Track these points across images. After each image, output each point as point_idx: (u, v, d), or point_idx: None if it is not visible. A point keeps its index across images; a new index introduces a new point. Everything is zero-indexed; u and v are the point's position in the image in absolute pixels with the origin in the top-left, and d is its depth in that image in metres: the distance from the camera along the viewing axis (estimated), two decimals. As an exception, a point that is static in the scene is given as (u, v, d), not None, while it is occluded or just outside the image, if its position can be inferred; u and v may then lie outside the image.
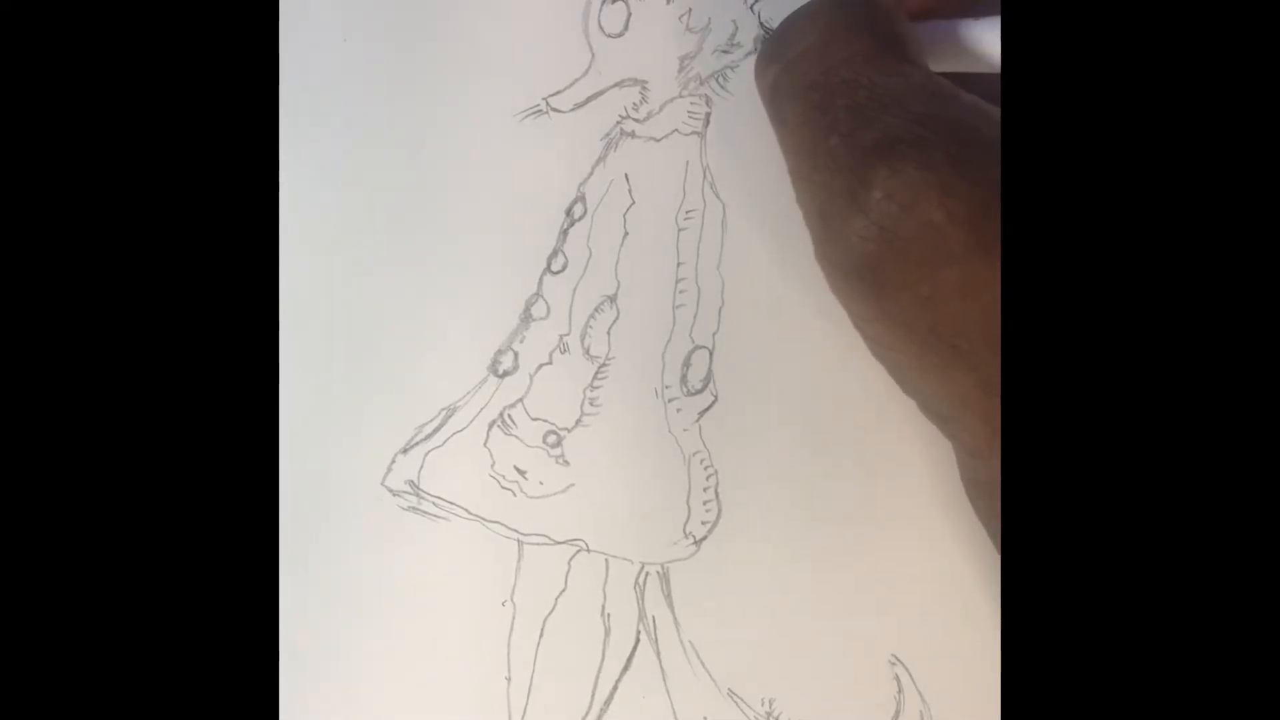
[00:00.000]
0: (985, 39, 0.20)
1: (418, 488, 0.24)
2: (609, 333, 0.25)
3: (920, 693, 0.24)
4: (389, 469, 0.24)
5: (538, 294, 0.25)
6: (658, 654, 0.24)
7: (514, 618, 0.24)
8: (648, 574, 0.24)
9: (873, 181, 0.18)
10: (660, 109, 0.25)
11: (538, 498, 0.24)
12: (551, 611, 0.24)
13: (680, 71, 0.25)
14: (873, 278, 0.18)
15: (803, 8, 0.20)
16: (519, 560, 0.24)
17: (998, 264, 0.17)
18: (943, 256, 0.18)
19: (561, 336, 0.25)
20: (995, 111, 0.19)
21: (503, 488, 0.24)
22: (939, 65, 0.20)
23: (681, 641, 0.24)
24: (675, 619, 0.24)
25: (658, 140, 0.25)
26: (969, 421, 0.19)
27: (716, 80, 0.25)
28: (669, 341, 0.25)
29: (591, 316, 0.25)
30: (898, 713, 0.24)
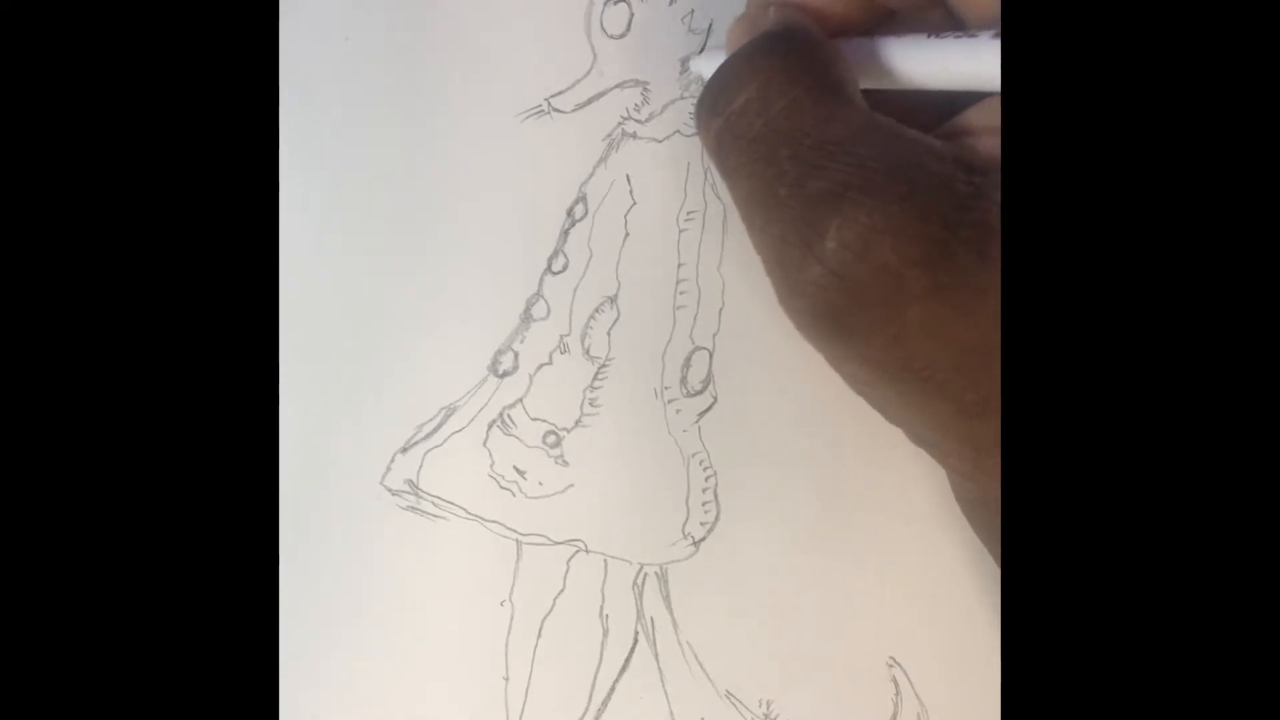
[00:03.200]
0: (902, 56, 0.20)
1: (417, 487, 0.24)
2: (609, 333, 0.25)
3: (918, 695, 0.24)
4: (388, 468, 0.24)
5: (538, 294, 0.25)
6: (656, 655, 0.24)
7: (512, 618, 0.24)
8: (646, 575, 0.24)
9: (825, 231, 0.18)
10: (662, 110, 0.25)
11: (537, 498, 0.24)
12: (550, 612, 0.24)
13: (682, 73, 0.25)
14: (838, 322, 0.18)
15: (737, 56, 0.20)
16: (517, 560, 0.24)
17: (959, 301, 0.18)
18: (903, 298, 0.18)
19: (562, 337, 0.25)
20: (937, 144, 0.19)
21: (502, 488, 0.24)
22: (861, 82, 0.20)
23: (679, 642, 0.24)
24: (673, 620, 0.24)
25: (659, 141, 0.25)
26: (952, 446, 0.19)
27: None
28: (669, 342, 0.25)
29: (592, 317, 0.25)
30: (895, 714, 0.24)
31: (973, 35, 0.19)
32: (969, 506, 0.21)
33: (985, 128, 0.20)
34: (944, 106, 0.21)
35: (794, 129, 0.19)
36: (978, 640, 0.24)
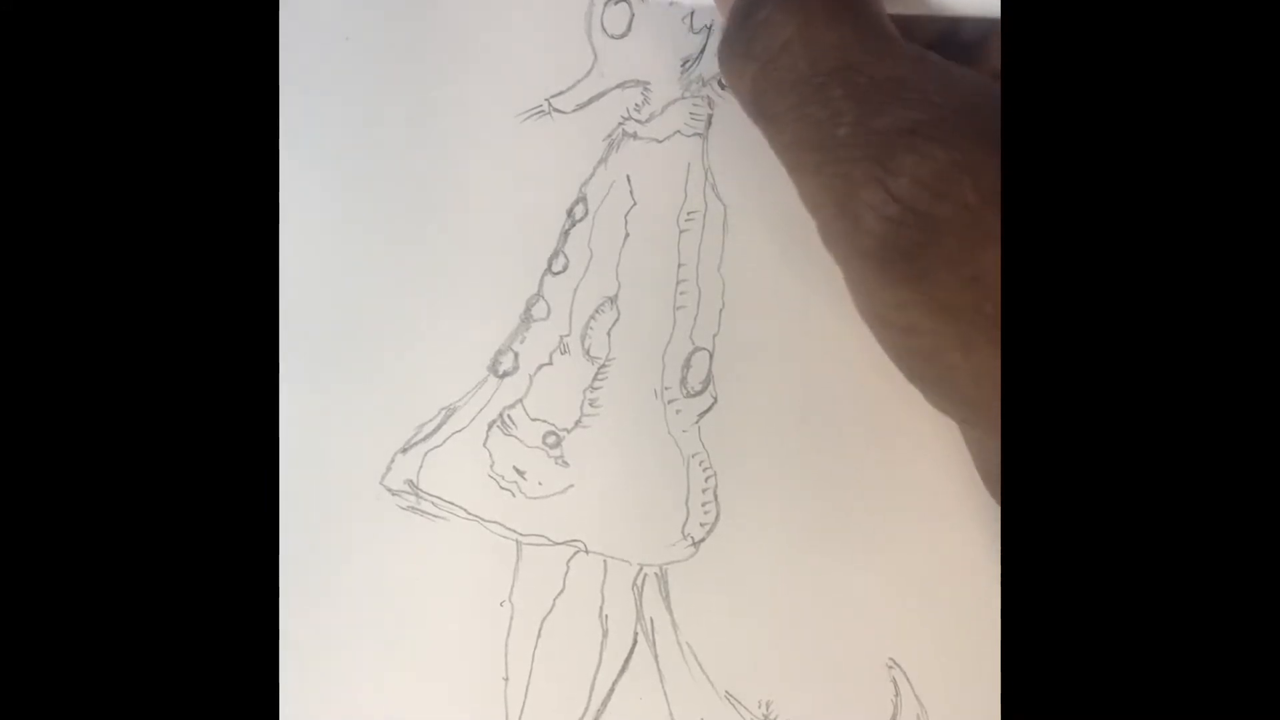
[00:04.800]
0: None
1: (417, 487, 0.24)
2: (609, 334, 0.25)
3: (917, 696, 0.24)
4: (388, 468, 0.24)
5: (538, 294, 0.25)
6: (655, 655, 0.24)
7: (512, 618, 0.24)
8: (646, 575, 0.24)
9: (900, 169, 0.17)
10: (662, 110, 0.25)
11: (537, 498, 0.24)
12: (550, 612, 0.24)
13: (683, 73, 0.25)
14: (912, 261, 0.18)
15: None
16: (517, 561, 0.24)
17: None
18: (980, 237, 0.17)
19: (562, 337, 0.24)
20: (989, 81, 0.18)
21: (502, 488, 0.24)
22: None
23: (679, 643, 0.24)
24: (673, 620, 0.24)
25: (659, 141, 0.25)
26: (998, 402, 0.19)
27: (719, 82, 0.25)
28: (669, 343, 0.25)
29: (592, 317, 0.25)
30: (895, 715, 0.24)
31: None
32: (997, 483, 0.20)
33: None
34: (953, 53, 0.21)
35: (844, 68, 0.18)
36: (978, 641, 0.24)
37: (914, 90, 0.18)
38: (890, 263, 0.18)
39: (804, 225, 0.20)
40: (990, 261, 0.17)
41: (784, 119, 0.19)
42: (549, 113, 0.25)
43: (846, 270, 0.19)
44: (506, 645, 0.24)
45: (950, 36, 0.22)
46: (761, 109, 0.19)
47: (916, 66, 0.18)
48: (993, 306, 0.18)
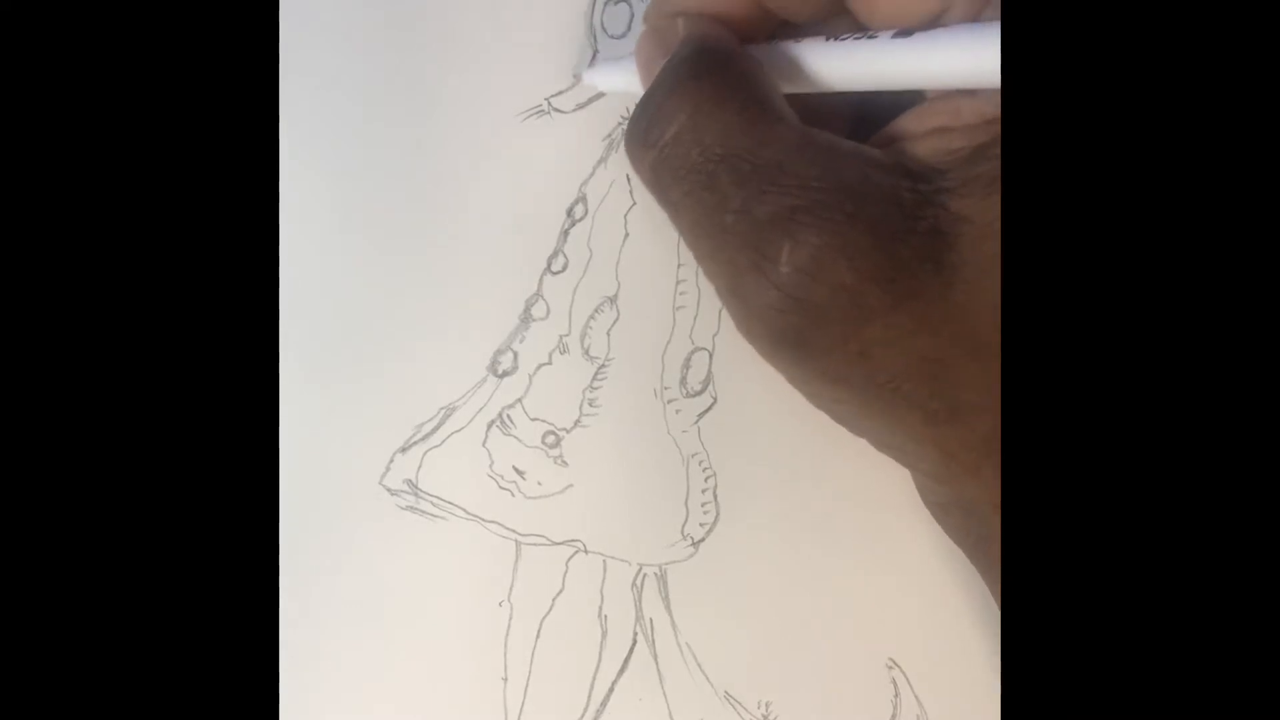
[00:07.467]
0: (813, 60, 0.20)
1: (416, 487, 0.24)
2: (609, 333, 0.25)
3: (917, 697, 0.24)
4: (387, 468, 0.24)
5: (538, 294, 0.25)
6: (654, 656, 0.24)
7: (511, 618, 0.24)
8: (645, 575, 0.24)
9: (777, 256, 0.18)
10: (662, 110, 0.25)
11: (536, 498, 0.24)
12: (549, 612, 0.24)
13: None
14: (799, 344, 0.18)
15: (662, 84, 0.19)
16: (517, 561, 0.24)
17: (917, 311, 0.17)
18: (862, 314, 0.18)
19: (561, 337, 0.24)
20: (876, 154, 0.18)
21: (501, 488, 0.24)
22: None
23: (679, 643, 0.24)
24: (672, 621, 0.24)
25: (659, 141, 0.25)
26: (923, 451, 0.19)
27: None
28: (669, 343, 0.24)
29: (591, 317, 0.25)
30: (894, 716, 0.24)
31: (872, 36, 0.19)
32: (941, 510, 0.21)
33: (920, 132, 0.19)
34: (876, 115, 0.21)
35: (731, 154, 0.18)
36: (977, 642, 0.24)
37: (793, 175, 0.18)
38: (780, 347, 0.19)
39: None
40: (876, 335, 0.18)
41: (681, 205, 0.19)
42: (549, 112, 0.25)
43: (755, 348, 0.20)
44: (505, 645, 0.24)
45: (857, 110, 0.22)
46: (661, 194, 0.20)
47: (799, 150, 0.18)
48: (885, 376, 0.18)
